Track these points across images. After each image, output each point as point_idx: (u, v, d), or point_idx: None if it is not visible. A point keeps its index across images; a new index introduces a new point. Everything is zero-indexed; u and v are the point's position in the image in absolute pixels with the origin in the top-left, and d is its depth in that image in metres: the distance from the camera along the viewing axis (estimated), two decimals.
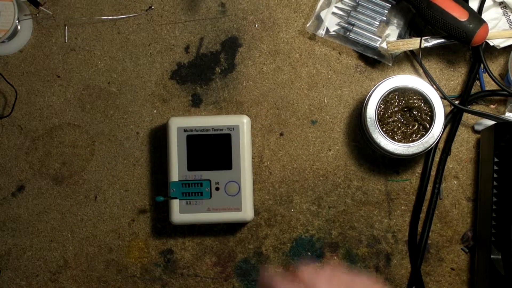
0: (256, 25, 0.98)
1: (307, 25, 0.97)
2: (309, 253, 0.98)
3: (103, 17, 0.98)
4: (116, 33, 0.99)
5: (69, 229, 0.99)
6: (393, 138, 0.91)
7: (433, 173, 0.97)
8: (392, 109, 0.92)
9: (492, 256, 0.89)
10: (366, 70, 0.98)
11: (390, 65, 0.97)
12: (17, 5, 0.95)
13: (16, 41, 0.98)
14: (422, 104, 0.92)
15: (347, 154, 0.98)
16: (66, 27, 0.99)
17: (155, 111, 0.98)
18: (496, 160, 0.90)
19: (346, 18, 0.96)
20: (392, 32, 0.96)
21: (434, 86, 0.93)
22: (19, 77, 0.99)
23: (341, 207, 0.98)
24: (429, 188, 0.97)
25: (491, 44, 0.94)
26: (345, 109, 0.98)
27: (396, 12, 0.96)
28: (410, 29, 0.97)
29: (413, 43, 0.93)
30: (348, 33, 0.96)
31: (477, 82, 0.97)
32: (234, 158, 0.93)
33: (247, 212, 0.93)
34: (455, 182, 0.97)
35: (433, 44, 0.94)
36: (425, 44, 0.94)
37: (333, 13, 0.96)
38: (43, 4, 0.97)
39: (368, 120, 0.91)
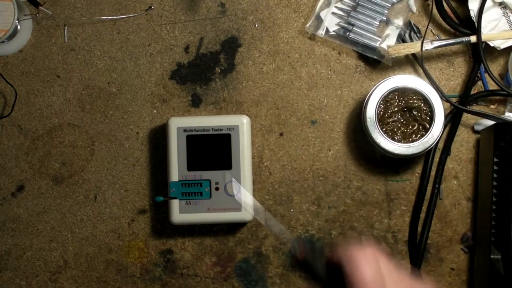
0: (256, 25, 0.98)
1: (307, 25, 0.97)
2: None
3: (103, 17, 0.98)
4: (116, 33, 0.99)
5: (69, 229, 0.99)
6: (393, 138, 0.92)
7: (433, 173, 0.97)
8: (392, 109, 0.92)
9: (492, 256, 0.89)
10: (366, 70, 0.98)
11: (390, 65, 0.97)
12: (17, 5, 0.95)
13: (16, 41, 0.98)
14: (422, 104, 0.92)
15: (347, 154, 0.98)
16: (66, 27, 0.99)
17: (155, 111, 0.98)
18: (495, 160, 0.90)
19: (346, 18, 0.96)
20: (392, 32, 0.96)
21: (434, 86, 0.93)
22: (19, 77, 0.99)
23: (341, 207, 0.98)
24: (429, 188, 0.97)
25: (491, 45, 0.94)
26: (345, 109, 0.98)
27: (396, 12, 0.96)
28: (410, 29, 0.97)
29: (414, 47, 0.93)
30: (348, 33, 0.96)
31: (479, 82, 0.97)
32: (234, 158, 0.93)
33: (247, 212, 0.93)
34: (455, 182, 0.97)
35: (434, 47, 0.94)
36: (426, 47, 0.93)
37: (333, 13, 0.96)
38: (43, 4, 0.97)
39: (368, 120, 0.91)
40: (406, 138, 0.92)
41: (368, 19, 0.95)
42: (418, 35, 0.97)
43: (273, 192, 0.98)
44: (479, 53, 0.93)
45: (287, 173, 0.98)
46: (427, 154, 0.97)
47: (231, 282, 0.98)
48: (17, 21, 0.96)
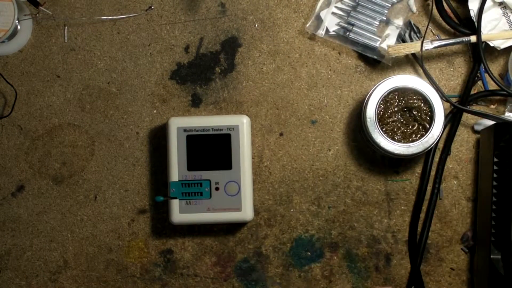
0: (256, 25, 0.98)
1: (307, 25, 0.97)
2: (309, 253, 0.98)
3: (103, 17, 0.98)
4: (116, 33, 0.99)
5: (69, 229, 0.99)
6: (393, 138, 0.92)
7: (433, 173, 0.97)
8: (392, 109, 0.92)
9: (492, 256, 0.89)
10: (366, 70, 0.98)
11: (390, 65, 0.97)
12: (17, 5, 0.95)
13: (16, 41, 0.98)
14: (422, 104, 0.92)
15: (347, 154, 0.98)
16: (66, 27, 0.99)
17: (155, 111, 0.98)
18: (495, 160, 0.90)
19: (346, 18, 0.96)
20: (392, 32, 0.96)
21: (434, 86, 0.93)
22: (19, 77, 0.99)
23: (341, 207, 0.98)
24: (429, 188, 0.97)
25: (491, 45, 0.94)
26: (345, 109, 0.98)
27: (396, 12, 0.96)
28: (410, 29, 0.97)
29: (414, 47, 0.93)
30: (348, 33, 0.96)
31: (479, 82, 0.97)
32: (234, 158, 0.93)
33: (247, 212, 0.93)
34: (455, 182, 0.97)
35: (434, 47, 0.94)
36: (426, 47, 0.93)
37: (333, 13, 0.96)
38: (43, 4, 0.97)
39: (368, 120, 0.91)
40: (406, 138, 0.92)
41: (368, 19, 0.95)
42: (418, 35, 0.97)
43: (273, 192, 0.98)
44: (479, 53, 0.93)
45: (287, 173, 0.98)
46: (427, 154, 0.97)
47: (231, 282, 0.98)
48: (17, 21, 0.96)
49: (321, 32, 0.96)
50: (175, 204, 0.93)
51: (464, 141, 0.98)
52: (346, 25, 0.96)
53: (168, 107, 0.98)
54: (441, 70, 0.98)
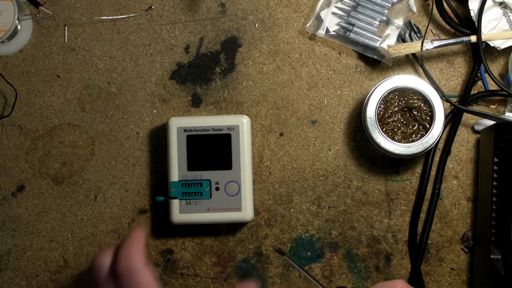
0: (256, 25, 0.98)
1: (307, 25, 0.97)
2: (309, 253, 0.98)
3: (103, 17, 0.98)
4: (116, 33, 0.99)
5: (69, 229, 0.99)
6: (393, 138, 0.92)
7: (433, 173, 0.97)
8: (392, 109, 0.92)
9: (492, 256, 0.89)
10: (366, 70, 0.98)
11: (390, 65, 0.97)
12: (17, 5, 0.95)
13: (16, 41, 0.98)
14: (422, 104, 0.92)
15: (347, 154, 0.98)
16: (66, 27, 0.99)
17: (155, 111, 0.98)
18: (496, 160, 0.90)
19: (346, 18, 0.96)
20: (392, 32, 0.96)
21: (434, 86, 0.93)
22: (19, 77, 0.99)
23: (341, 207, 0.98)
24: (429, 188, 0.97)
25: (492, 45, 0.94)
26: (345, 109, 0.98)
27: (396, 12, 0.96)
28: (410, 29, 0.97)
29: (414, 47, 0.93)
30: (348, 33, 0.96)
31: (479, 82, 0.97)
32: (234, 158, 0.93)
33: (247, 212, 0.93)
34: (455, 182, 0.97)
35: (434, 47, 0.94)
36: (426, 47, 0.93)
37: (333, 13, 0.96)
38: (43, 4, 0.97)
39: (368, 120, 0.91)
40: (406, 138, 0.92)
41: (368, 19, 0.95)
42: (418, 35, 0.97)
43: (273, 192, 0.98)
44: (479, 53, 0.93)
45: (287, 173, 0.98)
46: (427, 154, 0.97)
47: (231, 282, 0.98)
48: (17, 21, 0.96)
49: (321, 32, 0.96)
50: (175, 204, 0.93)
51: (464, 141, 0.98)
52: (346, 25, 0.96)
53: (168, 107, 0.98)
54: (441, 70, 0.98)
